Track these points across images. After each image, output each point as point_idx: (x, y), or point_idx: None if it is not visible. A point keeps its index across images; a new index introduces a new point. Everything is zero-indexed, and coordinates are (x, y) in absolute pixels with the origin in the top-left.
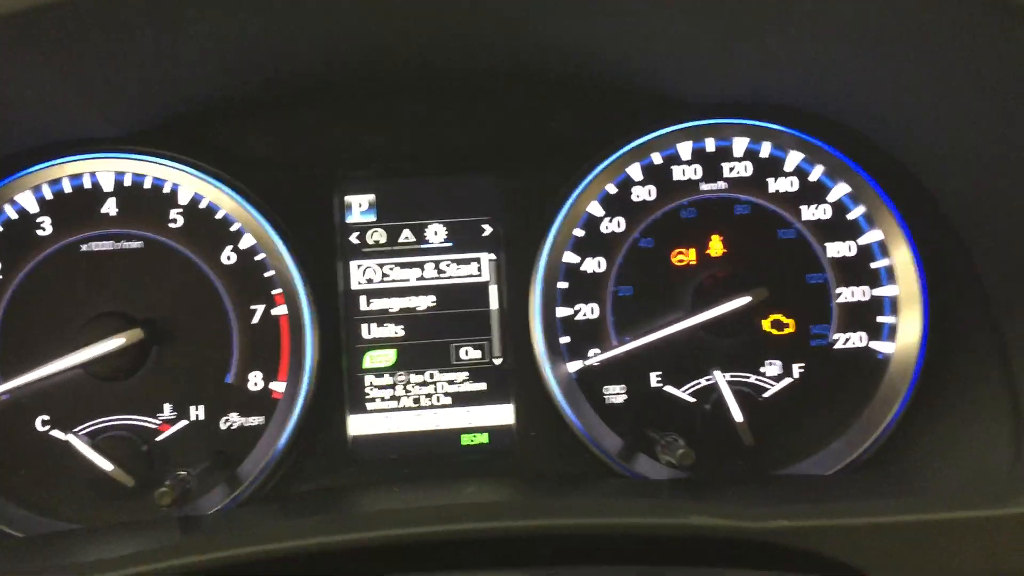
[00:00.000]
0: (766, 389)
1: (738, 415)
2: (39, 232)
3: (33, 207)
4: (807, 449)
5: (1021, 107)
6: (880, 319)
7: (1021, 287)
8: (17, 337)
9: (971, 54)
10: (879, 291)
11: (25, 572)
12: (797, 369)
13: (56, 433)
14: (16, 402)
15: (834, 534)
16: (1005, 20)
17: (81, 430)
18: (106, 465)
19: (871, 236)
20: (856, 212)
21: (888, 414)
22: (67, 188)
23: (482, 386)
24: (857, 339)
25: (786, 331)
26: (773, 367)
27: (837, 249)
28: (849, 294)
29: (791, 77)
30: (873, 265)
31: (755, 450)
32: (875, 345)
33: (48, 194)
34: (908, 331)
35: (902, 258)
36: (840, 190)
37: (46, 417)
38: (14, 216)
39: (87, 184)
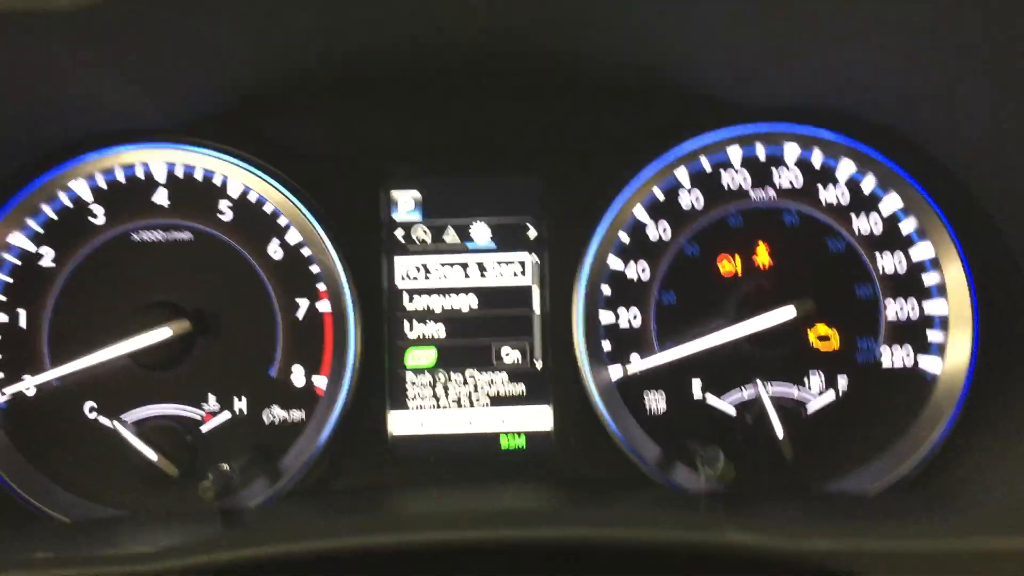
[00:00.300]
0: (809, 403)
1: (779, 429)
2: (92, 220)
3: (87, 195)
4: (849, 466)
5: None
6: (929, 336)
7: None
8: (67, 324)
9: None
10: (929, 307)
11: (75, 562)
12: (842, 383)
13: (103, 420)
14: (65, 388)
15: (873, 558)
16: None
17: (128, 418)
18: (151, 454)
19: (923, 251)
20: (909, 225)
21: (933, 434)
22: (120, 177)
23: (522, 389)
24: (904, 355)
25: (832, 344)
26: (817, 380)
27: (887, 263)
28: (898, 309)
29: (846, 84)
30: (924, 281)
31: (796, 464)
32: (923, 362)
33: (101, 183)
34: (957, 350)
35: (954, 275)
36: (893, 202)
37: (94, 404)
38: (68, 204)
39: (139, 174)
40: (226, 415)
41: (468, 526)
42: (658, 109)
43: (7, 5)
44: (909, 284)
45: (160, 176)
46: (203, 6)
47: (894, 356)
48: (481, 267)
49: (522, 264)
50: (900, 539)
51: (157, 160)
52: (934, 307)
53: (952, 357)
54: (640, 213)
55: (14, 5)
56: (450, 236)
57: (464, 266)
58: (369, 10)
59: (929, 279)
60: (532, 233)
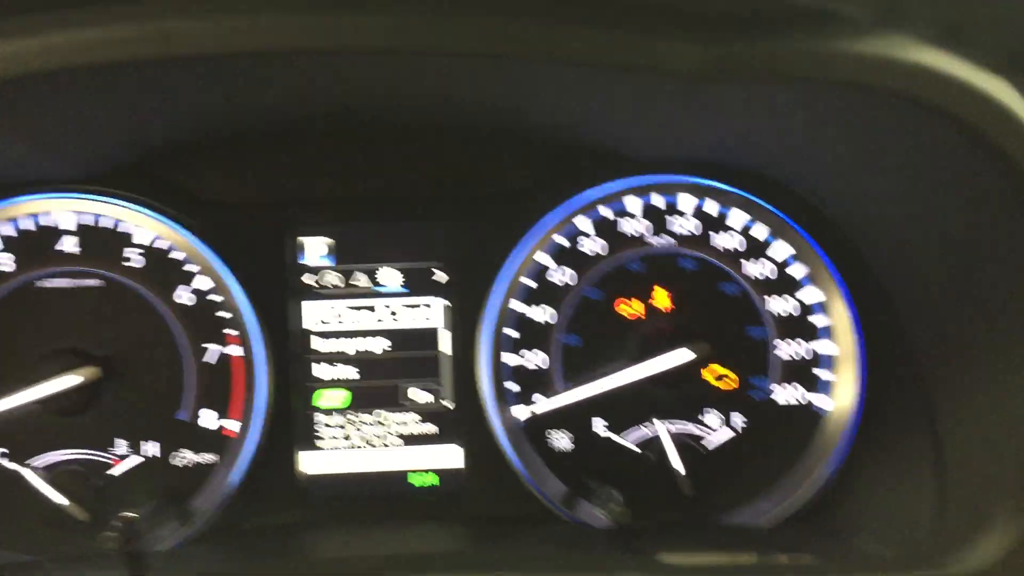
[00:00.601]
0: (706, 439)
1: (678, 465)
2: None
3: None
4: (745, 499)
5: (941, 196)
6: (819, 374)
7: (947, 354)
8: None
9: (900, 146)
10: (818, 347)
11: None
12: (738, 421)
13: (10, 465)
14: None
15: None
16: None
17: (35, 463)
18: (59, 499)
19: (812, 295)
20: (798, 271)
21: (823, 468)
22: (26, 226)
23: (432, 429)
24: (795, 393)
25: (727, 383)
26: (714, 418)
27: (779, 305)
28: (789, 349)
29: (740, 144)
30: (813, 322)
31: (694, 499)
32: (813, 399)
33: (7, 231)
34: (844, 389)
35: (840, 318)
36: (783, 249)
37: (1, 449)
38: None
39: (46, 223)
40: (136, 459)
41: (373, 572)
42: (559, 160)
43: None
44: (799, 326)
45: (67, 224)
46: (108, 78)
47: (786, 394)
48: (391, 311)
49: (431, 307)
50: None
51: (64, 210)
52: (823, 347)
53: (840, 395)
54: (543, 259)
55: None
56: (360, 281)
57: (374, 310)
58: (277, 73)
59: (818, 321)
60: (440, 278)
